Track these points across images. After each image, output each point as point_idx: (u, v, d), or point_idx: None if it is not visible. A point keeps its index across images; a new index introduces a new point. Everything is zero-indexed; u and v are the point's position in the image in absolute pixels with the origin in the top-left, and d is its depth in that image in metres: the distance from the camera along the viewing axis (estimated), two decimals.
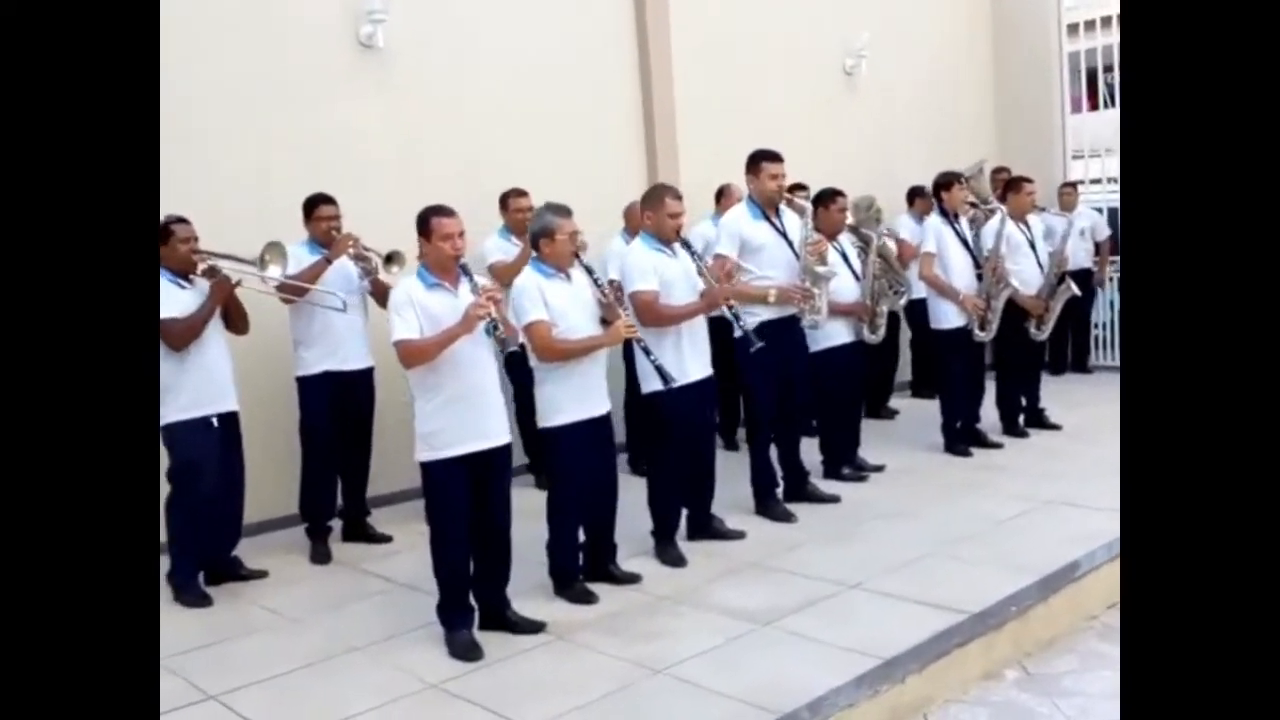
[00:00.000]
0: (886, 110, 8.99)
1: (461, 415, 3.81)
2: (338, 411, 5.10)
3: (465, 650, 3.82)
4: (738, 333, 4.82)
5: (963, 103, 9.63)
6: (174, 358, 4.34)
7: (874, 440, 6.96)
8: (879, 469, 6.20)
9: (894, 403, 8.09)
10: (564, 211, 4.28)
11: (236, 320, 4.63)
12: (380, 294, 5.07)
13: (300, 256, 4.97)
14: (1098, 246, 9.06)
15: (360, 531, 5.37)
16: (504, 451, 3.96)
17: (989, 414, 6.88)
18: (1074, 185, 9.26)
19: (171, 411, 4.38)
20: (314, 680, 3.72)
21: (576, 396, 4.25)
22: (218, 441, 4.51)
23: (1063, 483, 5.63)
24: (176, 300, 4.36)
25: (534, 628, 4.01)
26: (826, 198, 6.01)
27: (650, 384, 4.66)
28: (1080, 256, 9.07)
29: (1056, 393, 7.58)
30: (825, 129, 8.58)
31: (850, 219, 7.80)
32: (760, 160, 5.34)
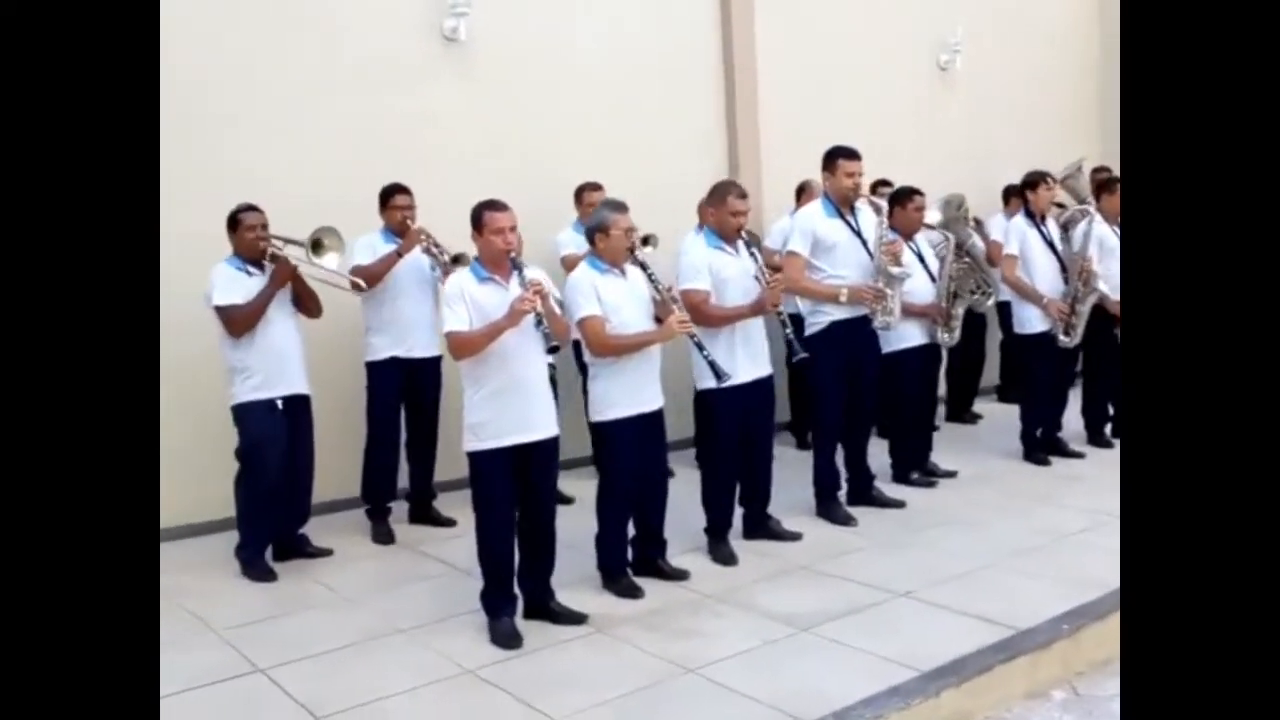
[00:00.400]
0: (982, 107, 8.75)
1: (507, 407, 3.87)
2: (404, 397, 5.22)
3: (505, 638, 3.88)
4: (791, 337, 4.72)
5: (1064, 99, 9.32)
6: (243, 341, 4.52)
7: (953, 445, 6.87)
8: (951, 475, 6.06)
9: (979, 407, 7.90)
10: (620, 207, 4.30)
11: (307, 303, 4.77)
12: None
13: (375, 245, 5.10)
14: None
15: (425, 514, 5.49)
16: (550, 444, 4.00)
17: (1074, 422, 6.67)
18: None
19: (242, 392, 4.56)
20: (356, 659, 3.83)
21: (629, 391, 4.26)
22: (283, 423, 4.66)
23: None
24: (242, 286, 4.53)
25: (576, 619, 4.05)
26: (903, 196, 5.90)
27: (704, 380, 4.65)
28: None
29: None
30: (917, 126, 8.41)
31: (938, 217, 7.71)
32: (837, 157, 5.26)
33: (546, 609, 4.09)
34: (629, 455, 4.29)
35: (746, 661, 3.66)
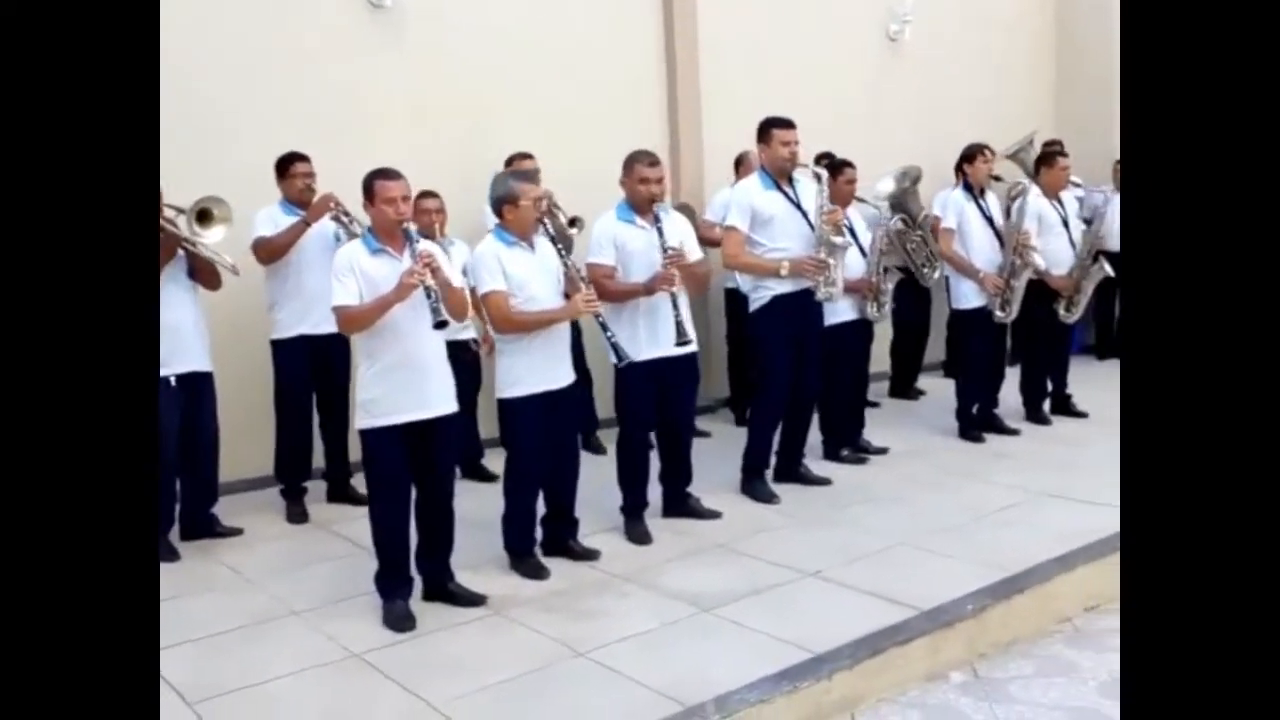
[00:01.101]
0: (934, 78, 8.61)
1: (400, 383, 3.75)
2: (313, 375, 5.09)
3: (398, 621, 3.78)
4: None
5: (1019, 70, 9.20)
6: None
7: (890, 420, 6.83)
8: (882, 451, 5.99)
9: (923, 382, 7.83)
10: (528, 176, 4.19)
11: (204, 276, 4.61)
12: None
13: (275, 217, 4.95)
14: None
15: (343, 493, 5.38)
16: (447, 421, 3.88)
17: (1014, 399, 6.61)
18: None
19: None
20: (243, 643, 3.72)
21: (535, 368, 4.15)
22: (176, 400, 4.51)
23: (1069, 474, 5.35)
24: None
25: (474, 600, 3.96)
26: (835, 169, 5.77)
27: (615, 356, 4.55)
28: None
29: (1097, 377, 7.24)
30: (866, 98, 8.29)
31: (891, 188, 7.60)
32: (771, 127, 5.11)
33: (445, 590, 3.99)
34: (534, 433, 4.19)
35: (641, 644, 3.58)
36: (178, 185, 4.65)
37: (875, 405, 7.35)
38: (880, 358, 7.80)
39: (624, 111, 7.03)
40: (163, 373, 4.44)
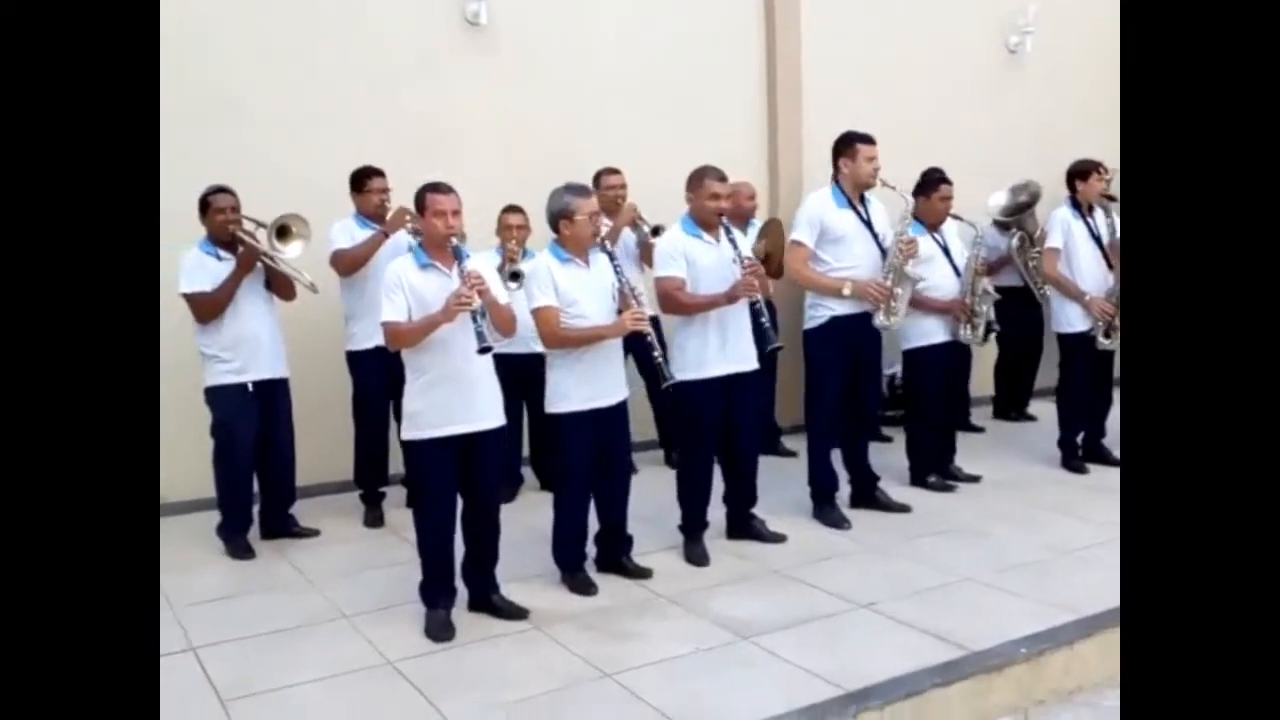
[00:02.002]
0: (1056, 92, 8.23)
1: (446, 397, 3.77)
2: (389, 386, 5.18)
3: (437, 630, 3.80)
4: (766, 325, 4.49)
5: None
6: (211, 326, 4.55)
7: (992, 447, 6.57)
8: (974, 480, 5.72)
9: (1035, 408, 7.44)
10: (583, 192, 4.15)
11: (281, 287, 4.78)
12: None
13: (351, 230, 5.08)
14: None
15: None
16: (493, 435, 3.89)
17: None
18: None
19: (212, 376, 4.61)
20: (286, 644, 3.81)
21: (583, 384, 4.12)
22: (254, 406, 4.68)
23: None
24: (209, 272, 4.56)
25: (516, 614, 3.95)
26: (929, 185, 5.57)
27: (682, 372, 4.49)
28: None
29: None
30: (984, 113, 7.98)
31: (1003, 203, 7.29)
32: (854, 142, 4.98)
33: (489, 602, 4.00)
34: (583, 448, 4.16)
35: (670, 669, 3.49)
36: (267, 201, 4.86)
37: (979, 430, 7.11)
38: (986, 380, 7.53)
39: (720, 128, 6.96)
40: (240, 379, 4.62)
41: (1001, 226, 7.14)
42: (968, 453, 6.35)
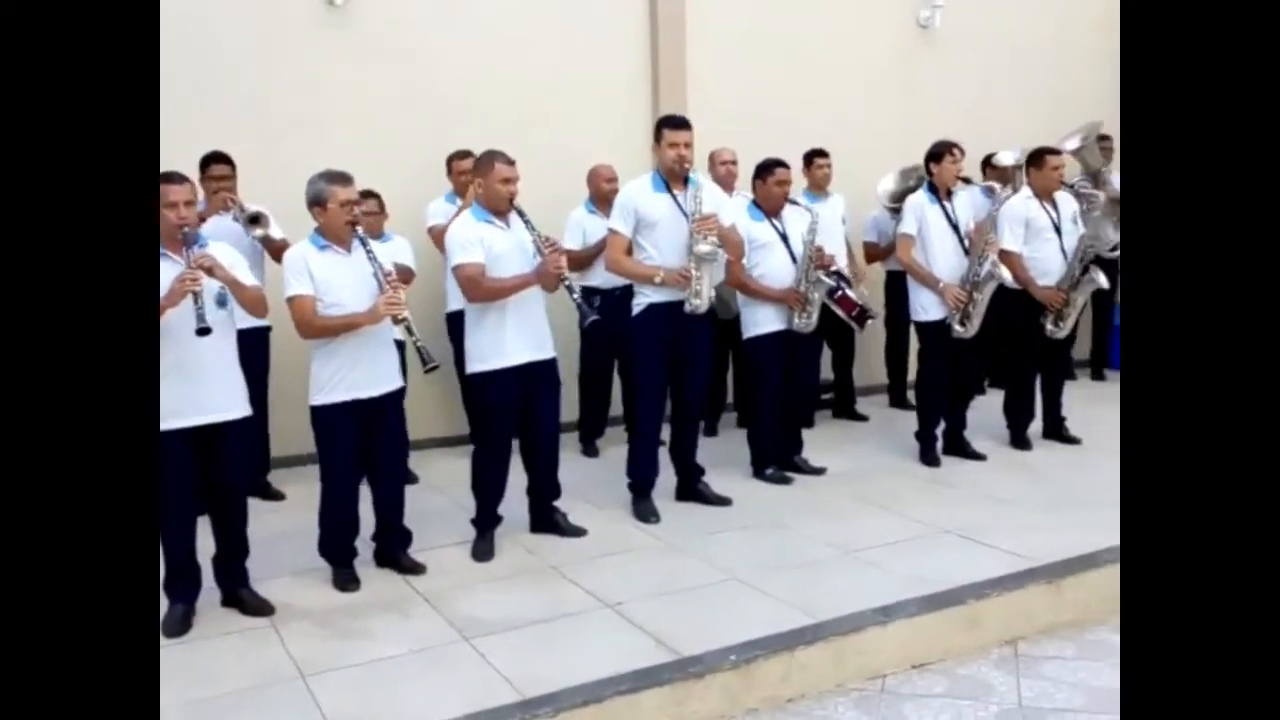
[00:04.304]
0: (973, 69, 7.97)
1: (173, 386, 3.66)
2: None
3: (172, 626, 3.75)
4: (579, 300, 4.42)
5: (1077, 57, 8.35)
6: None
7: (868, 435, 6.46)
8: (819, 472, 5.59)
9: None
10: (340, 179, 4.06)
11: None
12: (274, 252, 5.08)
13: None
14: None
15: None
16: (233, 426, 3.84)
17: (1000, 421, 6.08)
18: None
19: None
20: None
21: (346, 374, 4.06)
22: None
23: (995, 510, 4.84)
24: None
25: (262, 610, 3.93)
26: (765, 169, 5.40)
27: (474, 363, 4.43)
28: None
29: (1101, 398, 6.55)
30: (893, 91, 7.78)
31: (891, 188, 7.13)
32: (661, 127, 4.87)
33: (237, 597, 3.97)
34: (345, 442, 4.11)
35: (369, 670, 3.43)
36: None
37: (863, 418, 6.97)
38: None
39: (599, 111, 6.82)
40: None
41: (893, 211, 6.94)
42: (838, 441, 6.29)
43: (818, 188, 6.63)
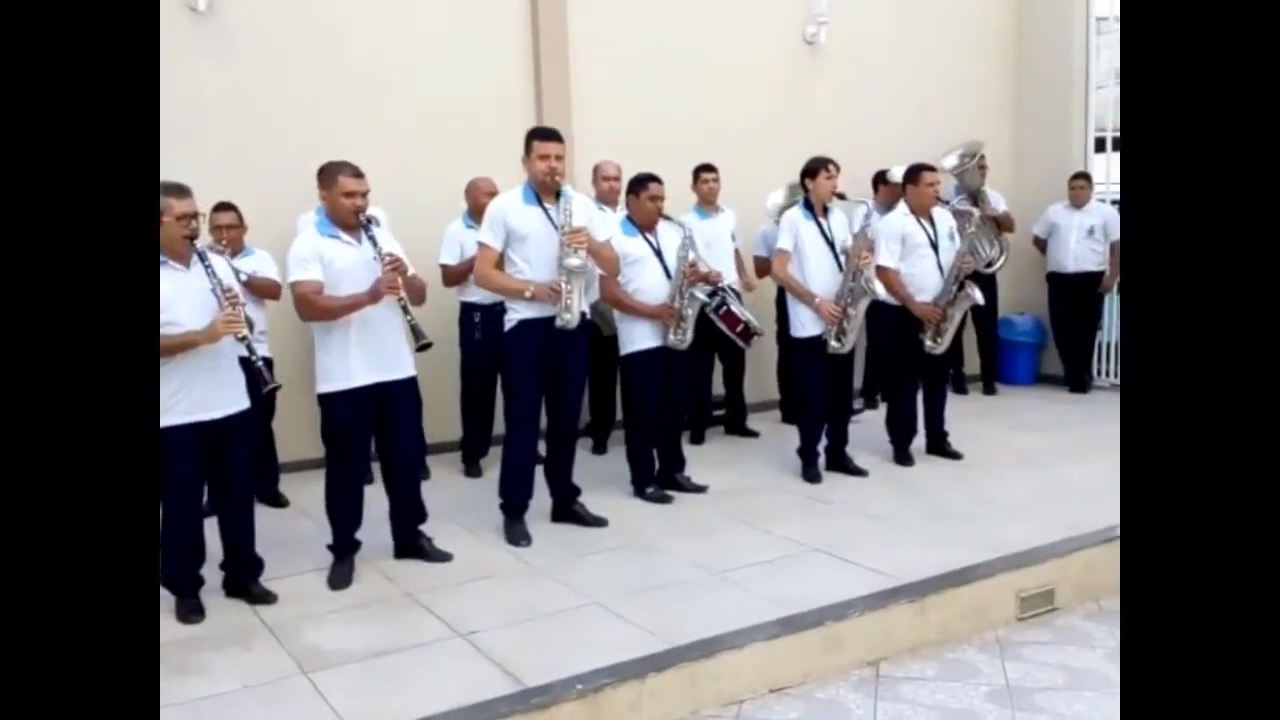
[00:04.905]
0: (858, 84, 8.03)
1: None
2: None
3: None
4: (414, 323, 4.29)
5: (963, 74, 8.47)
6: None
7: (758, 451, 6.46)
8: (700, 489, 5.52)
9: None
10: (175, 190, 3.88)
11: None
12: None
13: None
14: (1112, 248, 7.84)
15: None
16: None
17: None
18: (1087, 178, 8.06)
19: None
20: None
21: (184, 395, 3.87)
22: None
23: (868, 527, 4.82)
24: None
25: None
26: (639, 184, 5.33)
27: (319, 385, 4.28)
28: (1088, 258, 7.98)
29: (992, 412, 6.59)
30: (783, 106, 7.77)
31: (781, 201, 7.12)
32: (531, 139, 4.76)
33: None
34: (185, 465, 3.91)
35: (184, 714, 3.22)
36: None
37: (754, 434, 6.93)
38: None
39: (483, 120, 6.69)
40: None
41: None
42: (727, 458, 6.26)
43: (706, 202, 6.60)
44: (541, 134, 4.75)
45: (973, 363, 8.31)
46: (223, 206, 5.46)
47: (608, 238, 4.88)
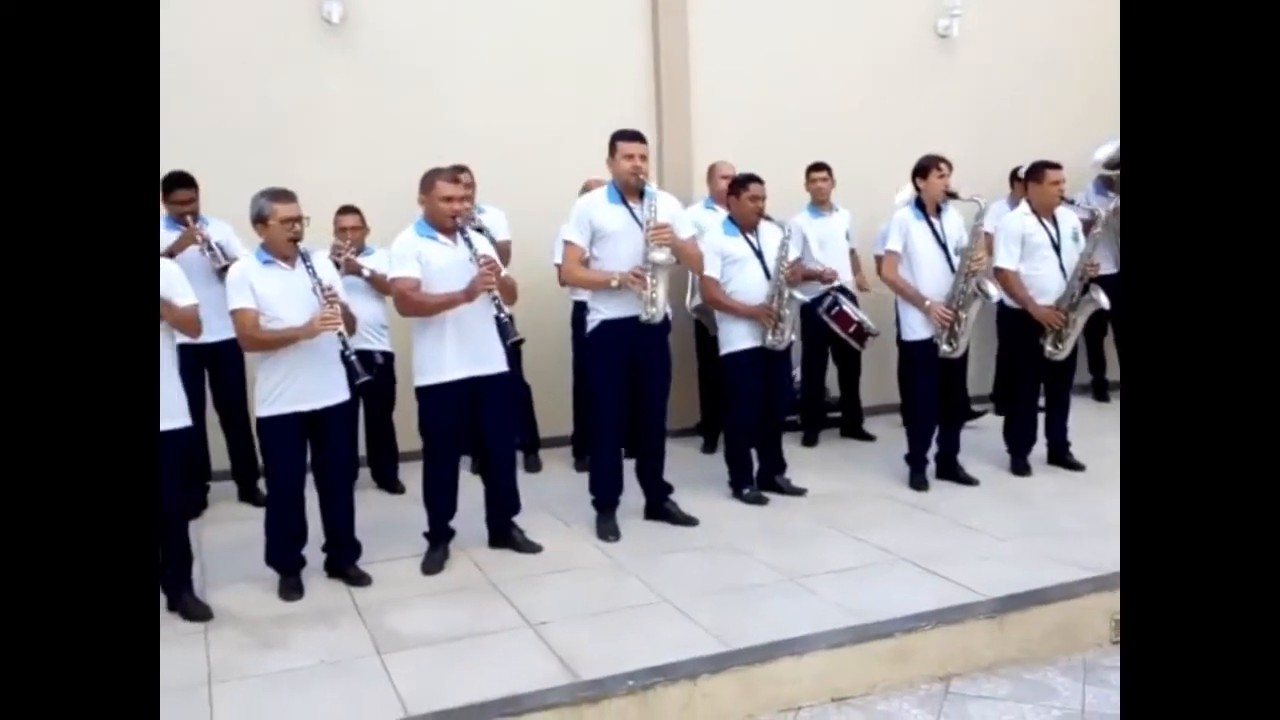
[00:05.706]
0: (991, 80, 7.74)
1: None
2: None
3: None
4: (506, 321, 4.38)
5: (1099, 70, 8.01)
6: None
7: (872, 455, 6.34)
8: (799, 493, 5.47)
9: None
10: (281, 196, 4.14)
11: None
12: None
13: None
14: None
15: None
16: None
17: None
18: None
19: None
20: None
21: (287, 388, 4.14)
22: None
23: (962, 539, 4.67)
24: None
25: (201, 616, 4.02)
26: (739, 185, 5.33)
27: (416, 378, 4.49)
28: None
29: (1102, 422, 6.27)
30: (910, 102, 7.58)
31: (907, 196, 6.98)
32: (615, 140, 4.83)
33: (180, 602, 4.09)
34: (287, 454, 4.20)
35: (263, 684, 3.44)
36: None
37: (870, 438, 6.80)
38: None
39: (602, 121, 6.77)
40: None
41: None
42: (835, 461, 6.22)
43: (818, 202, 6.52)
44: (625, 135, 4.81)
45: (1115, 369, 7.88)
46: (347, 209, 5.76)
47: (690, 235, 4.91)
